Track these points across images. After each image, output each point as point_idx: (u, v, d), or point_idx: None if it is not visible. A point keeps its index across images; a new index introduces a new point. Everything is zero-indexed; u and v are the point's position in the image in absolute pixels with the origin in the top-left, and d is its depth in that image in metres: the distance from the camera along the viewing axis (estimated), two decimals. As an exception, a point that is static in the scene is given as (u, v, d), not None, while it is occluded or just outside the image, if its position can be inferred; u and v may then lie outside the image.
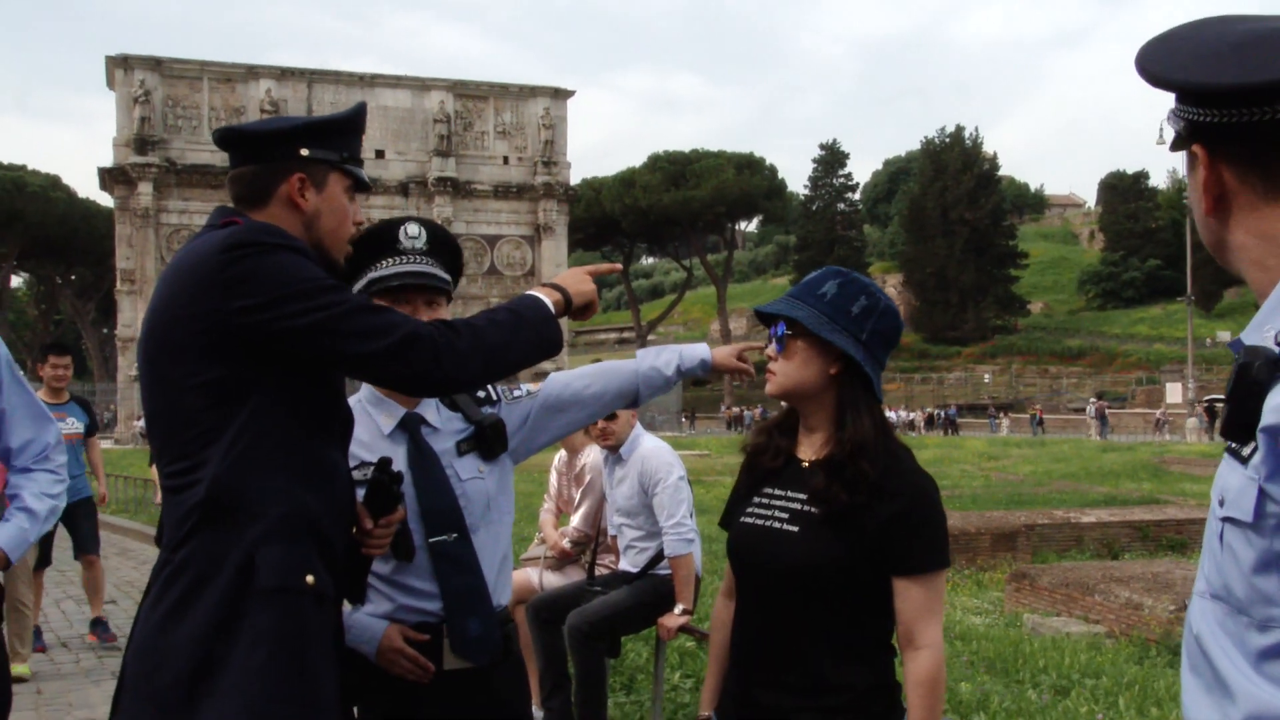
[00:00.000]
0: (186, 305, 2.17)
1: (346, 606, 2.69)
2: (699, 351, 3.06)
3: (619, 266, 2.92)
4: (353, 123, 2.49)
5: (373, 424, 2.90)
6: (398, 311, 2.32)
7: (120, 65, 55.87)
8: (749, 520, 2.52)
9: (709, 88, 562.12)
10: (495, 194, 59.80)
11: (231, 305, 2.12)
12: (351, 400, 2.88)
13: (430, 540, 2.81)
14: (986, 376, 75.66)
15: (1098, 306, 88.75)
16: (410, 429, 2.92)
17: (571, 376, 3.12)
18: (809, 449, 2.51)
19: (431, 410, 2.98)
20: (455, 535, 2.83)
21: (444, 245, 3.01)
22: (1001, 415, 61.42)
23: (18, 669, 6.94)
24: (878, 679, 2.39)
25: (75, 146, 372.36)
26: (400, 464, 2.79)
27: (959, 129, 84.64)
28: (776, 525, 2.44)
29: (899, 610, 2.36)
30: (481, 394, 3.06)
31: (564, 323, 2.54)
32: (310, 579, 2.19)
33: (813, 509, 2.39)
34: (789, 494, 2.47)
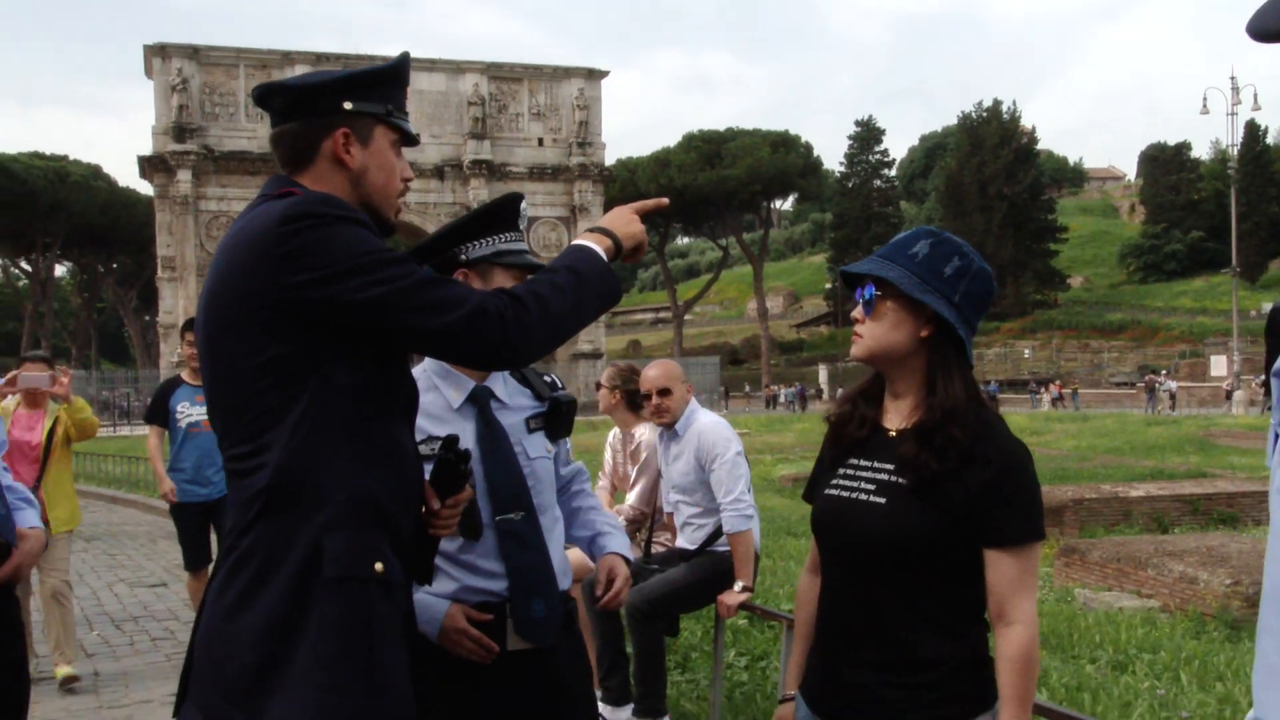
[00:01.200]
0: (244, 280, 2.10)
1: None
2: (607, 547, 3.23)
3: (665, 201, 2.82)
4: (396, 74, 2.39)
5: (440, 398, 2.86)
6: (462, 284, 2.24)
7: (158, 54, 56.09)
8: (834, 492, 2.44)
9: (742, 66, 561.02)
10: (530, 176, 59.66)
11: (290, 280, 2.05)
12: (417, 372, 2.86)
13: (497, 518, 2.79)
14: (1026, 351, 75.04)
15: (1139, 280, 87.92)
16: (479, 403, 2.88)
17: (584, 498, 3.29)
18: (896, 417, 2.43)
19: (500, 384, 2.94)
20: (522, 514, 2.81)
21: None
22: (1042, 390, 60.92)
23: (64, 670, 6.84)
24: (969, 654, 2.30)
25: (115, 136, 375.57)
26: (468, 439, 2.79)
27: (996, 103, 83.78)
28: (863, 497, 2.36)
29: (990, 584, 2.26)
30: (548, 379, 3.05)
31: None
32: (379, 566, 2.13)
33: (900, 479, 2.31)
34: (875, 464, 2.38)
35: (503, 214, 2.94)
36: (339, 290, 2.06)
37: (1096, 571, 10.38)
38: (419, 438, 2.63)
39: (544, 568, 2.83)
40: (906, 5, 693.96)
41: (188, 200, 55.22)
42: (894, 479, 2.32)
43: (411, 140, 2.42)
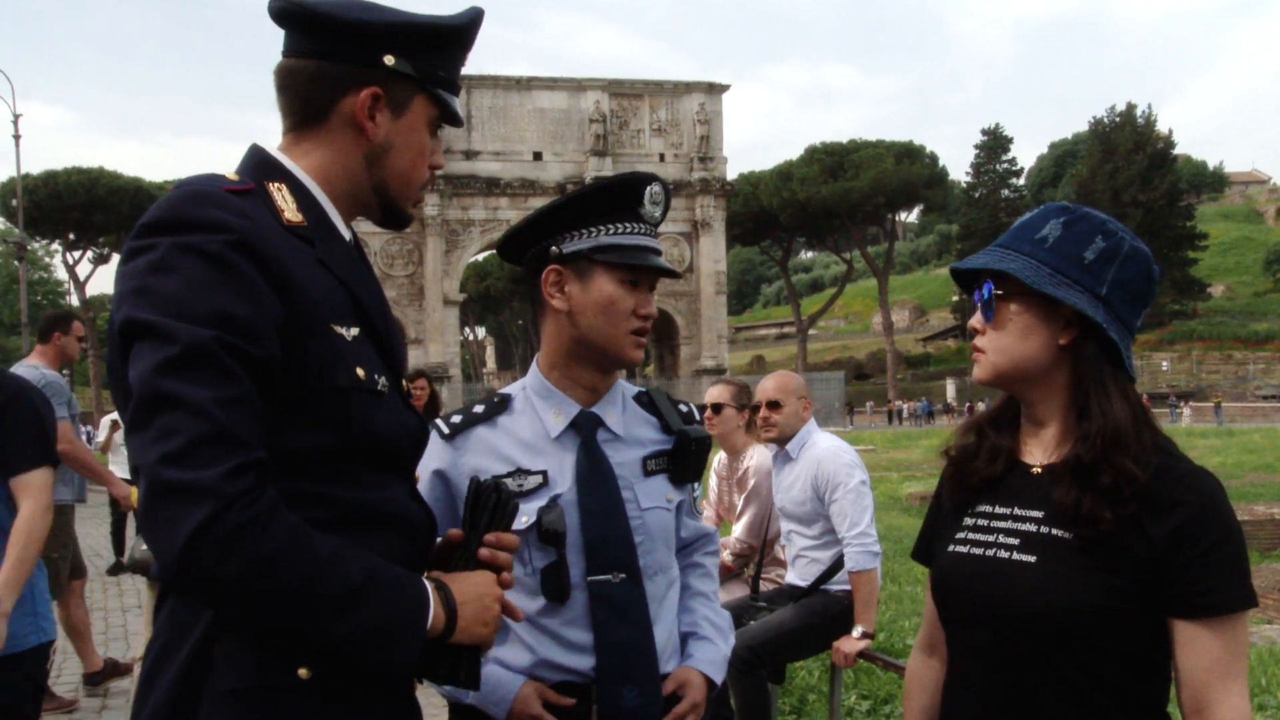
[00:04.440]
0: None
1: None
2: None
3: None
4: (460, 36, 1.86)
5: (538, 422, 2.35)
6: (229, 432, 1.47)
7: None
8: (962, 549, 1.92)
9: (865, 78, 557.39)
10: (652, 192, 59.54)
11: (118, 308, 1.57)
12: (514, 388, 2.44)
13: (590, 579, 2.25)
14: (1164, 364, 72.39)
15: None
16: (583, 433, 2.34)
17: (698, 575, 2.60)
18: (1038, 450, 1.91)
19: (615, 410, 2.40)
20: (623, 577, 2.27)
21: (666, 215, 2.45)
22: (1183, 404, 58.65)
23: None
24: None
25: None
26: (565, 477, 2.29)
27: (1130, 108, 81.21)
28: (1004, 554, 1.84)
29: (1184, 668, 1.72)
30: (684, 408, 2.52)
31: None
32: (304, 672, 1.58)
33: (1054, 530, 1.79)
34: (1016, 511, 1.87)
35: (614, 198, 2.30)
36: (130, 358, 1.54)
37: (1253, 603, 9.64)
38: (504, 469, 2.25)
39: (643, 645, 2.28)
40: (1033, 10, 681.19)
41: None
42: (1045, 530, 1.81)
43: (454, 120, 1.91)
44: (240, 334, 1.52)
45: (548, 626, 2.27)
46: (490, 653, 2.21)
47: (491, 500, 1.86)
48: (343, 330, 1.70)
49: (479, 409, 2.40)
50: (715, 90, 61.51)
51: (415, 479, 1.91)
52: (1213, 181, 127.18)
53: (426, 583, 1.66)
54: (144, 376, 1.48)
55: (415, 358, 54.40)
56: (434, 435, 2.35)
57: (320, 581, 1.50)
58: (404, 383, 1.90)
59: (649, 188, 2.32)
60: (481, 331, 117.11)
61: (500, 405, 2.40)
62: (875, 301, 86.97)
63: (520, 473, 2.27)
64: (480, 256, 69.19)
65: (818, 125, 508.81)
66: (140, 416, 1.48)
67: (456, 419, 2.39)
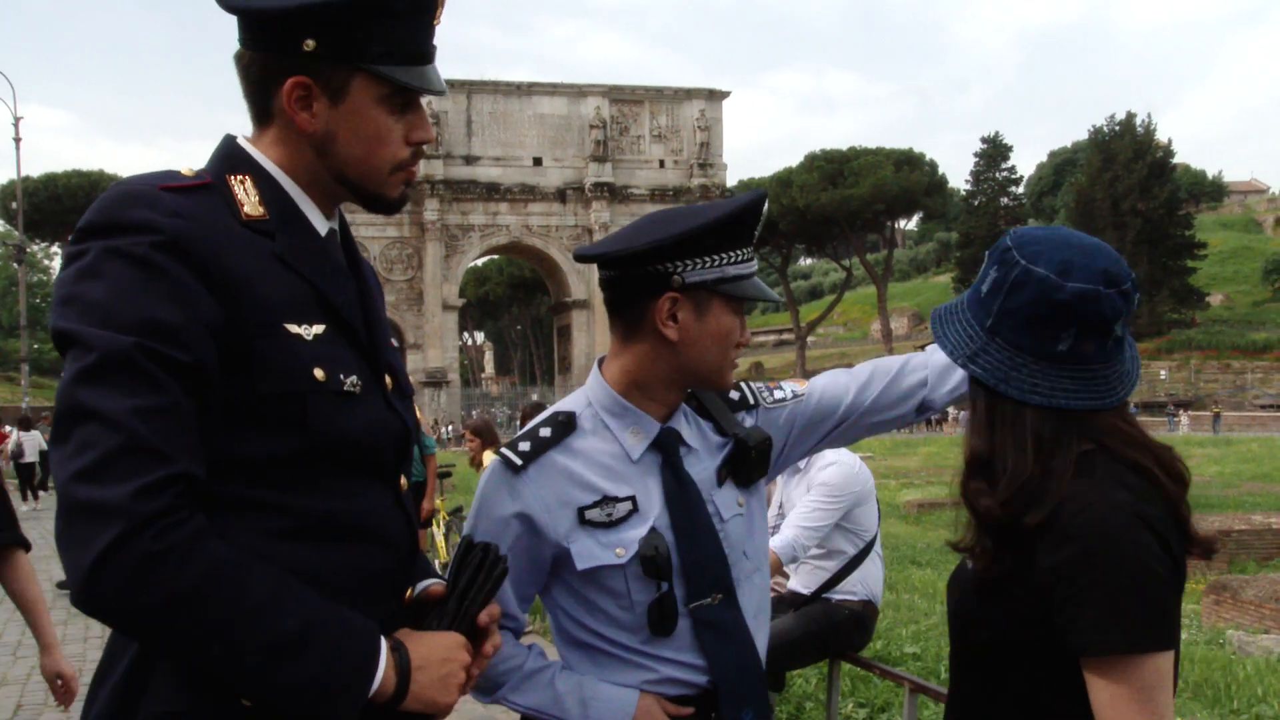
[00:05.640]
0: None
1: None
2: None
3: None
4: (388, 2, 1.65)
5: (614, 443, 2.17)
6: (153, 439, 1.42)
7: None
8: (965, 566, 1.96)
9: (865, 85, 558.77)
10: (651, 198, 59.71)
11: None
12: (578, 404, 2.21)
13: (691, 605, 2.13)
14: (1163, 373, 72.37)
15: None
16: (666, 450, 2.18)
17: (846, 375, 2.42)
18: None
19: (683, 420, 2.24)
20: (720, 597, 2.16)
21: None
22: (1180, 413, 58.64)
23: None
24: None
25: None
26: (653, 502, 2.14)
27: (1129, 116, 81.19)
28: (966, 571, 1.87)
29: (1094, 709, 1.60)
30: (735, 395, 2.34)
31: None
32: (246, 700, 1.50)
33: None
34: None
35: (744, 225, 2.12)
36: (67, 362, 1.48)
37: (1251, 612, 9.64)
38: (589, 499, 2.10)
39: (752, 665, 2.20)
40: (1033, 18, 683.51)
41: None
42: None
43: (416, 90, 1.72)
44: (165, 339, 1.45)
45: (655, 653, 2.16)
46: (599, 675, 2.14)
47: (476, 559, 1.77)
48: (300, 329, 1.62)
49: (546, 432, 2.17)
50: (715, 97, 61.67)
51: (401, 485, 1.82)
52: (1212, 191, 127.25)
53: (382, 641, 1.58)
54: (63, 388, 1.43)
55: (414, 362, 54.42)
56: (499, 471, 2.16)
57: (248, 628, 1.43)
58: (388, 380, 1.81)
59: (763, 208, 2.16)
60: (480, 336, 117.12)
61: (568, 425, 2.19)
62: (874, 309, 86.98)
63: (608, 501, 2.11)
64: (479, 261, 69.22)
65: (818, 132, 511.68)
66: (59, 430, 1.42)
67: (525, 446, 2.16)
